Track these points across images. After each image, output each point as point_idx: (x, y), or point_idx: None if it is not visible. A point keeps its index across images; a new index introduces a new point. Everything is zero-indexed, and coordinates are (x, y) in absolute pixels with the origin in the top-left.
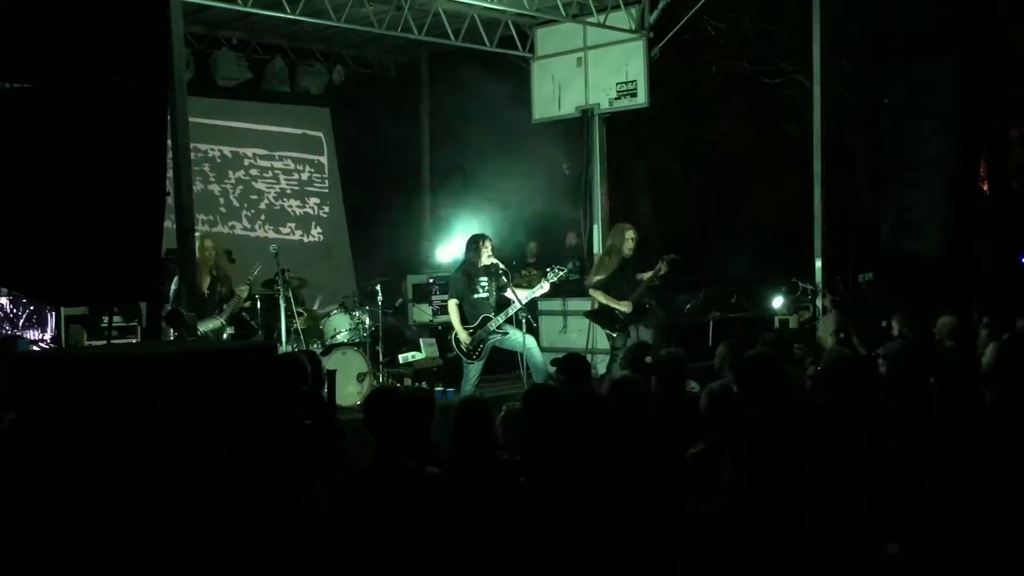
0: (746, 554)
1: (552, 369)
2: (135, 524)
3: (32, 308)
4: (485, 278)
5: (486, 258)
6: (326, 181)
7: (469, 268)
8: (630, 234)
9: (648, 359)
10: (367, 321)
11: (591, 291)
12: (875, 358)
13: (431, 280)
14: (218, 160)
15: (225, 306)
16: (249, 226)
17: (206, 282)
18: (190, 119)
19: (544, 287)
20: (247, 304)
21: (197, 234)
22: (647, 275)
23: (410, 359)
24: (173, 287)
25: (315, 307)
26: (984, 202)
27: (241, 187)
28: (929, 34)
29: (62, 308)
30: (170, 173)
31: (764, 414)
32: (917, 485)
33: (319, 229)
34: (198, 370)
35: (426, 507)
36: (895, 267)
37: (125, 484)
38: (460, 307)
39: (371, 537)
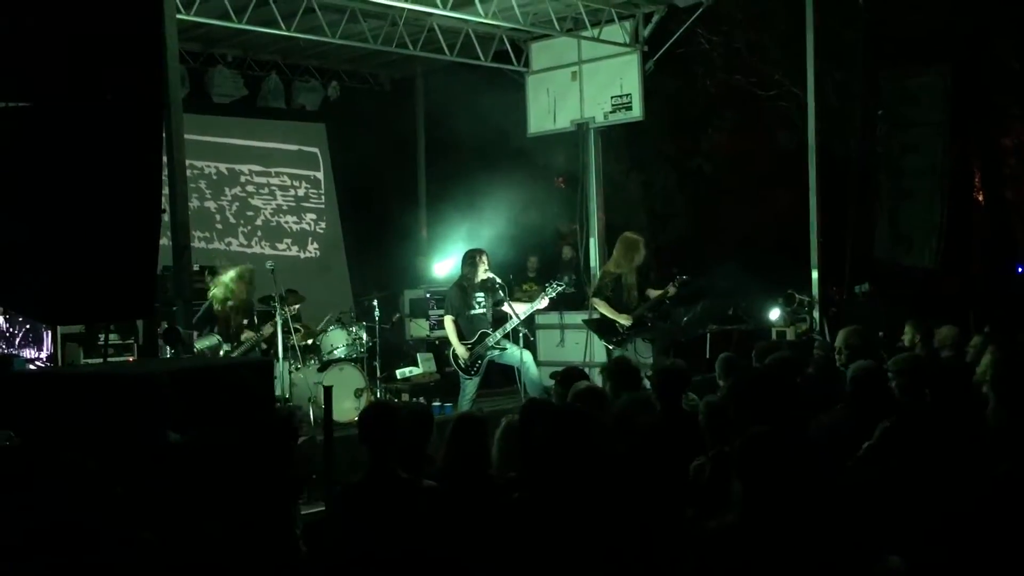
0: (757, 570)
1: (550, 383)
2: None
3: (28, 326)
4: (481, 293)
5: (482, 273)
6: (322, 197)
7: (465, 283)
8: (643, 247)
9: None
10: (364, 336)
11: (593, 301)
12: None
13: (428, 295)
14: (214, 177)
15: (243, 336)
16: (246, 243)
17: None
18: (186, 136)
19: (544, 302)
20: (264, 346)
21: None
22: (656, 293)
23: (407, 374)
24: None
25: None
26: (978, 212)
27: (237, 203)
28: (921, 44)
29: (58, 326)
30: (166, 190)
31: (769, 428)
32: (919, 497)
33: (315, 245)
34: (195, 388)
35: (420, 520)
36: (891, 278)
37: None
38: (457, 323)
39: (365, 550)
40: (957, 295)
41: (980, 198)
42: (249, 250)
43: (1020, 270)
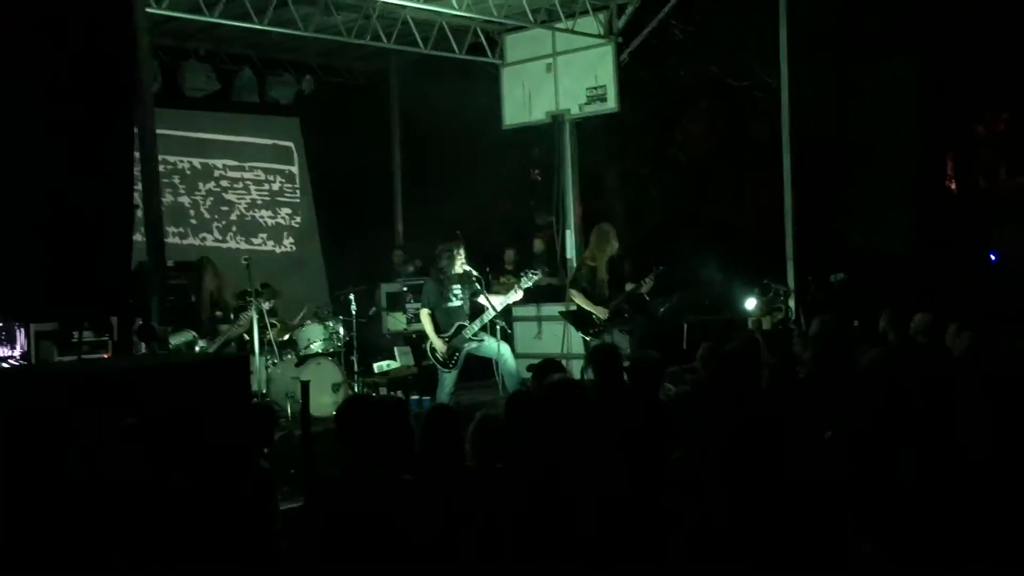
0: (736, 555)
1: (527, 375)
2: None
3: (1, 324)
4: (458, 286)
5: (459, 266)
6: (297, 191)
7: (442, 276)
8: (614, 238)
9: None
10: (341, 331)
11: (570, 292)
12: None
13: (405, 288)
14: (187, 172)
15: (223, 327)
16: (220, 238)
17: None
18: (158, 131)
19: (519, 294)
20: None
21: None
22: (631, 286)
23: (385, 368)
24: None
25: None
26: (951, 200)
27: (211, 198)
28: (894, 32)
29: (31, 324)
30: (139, 186)
31: (743, 417)
32: (891, 483)
33: (291, 239)
34: (172, 384)
35: (399, 513)
36: (866, 267)
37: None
38: (433, 316)
39: (344, 544)
40: (931, 283)
41: (953, 187)
42: (224, 245)
43: (993, 258)
